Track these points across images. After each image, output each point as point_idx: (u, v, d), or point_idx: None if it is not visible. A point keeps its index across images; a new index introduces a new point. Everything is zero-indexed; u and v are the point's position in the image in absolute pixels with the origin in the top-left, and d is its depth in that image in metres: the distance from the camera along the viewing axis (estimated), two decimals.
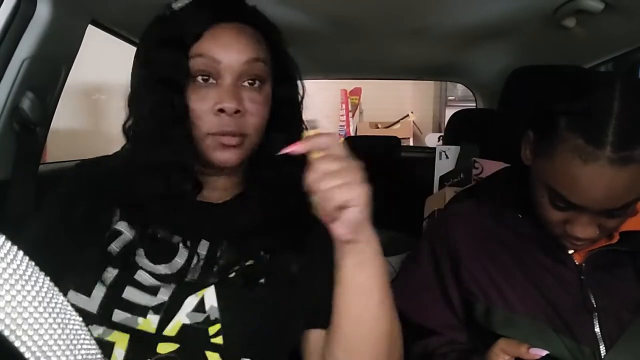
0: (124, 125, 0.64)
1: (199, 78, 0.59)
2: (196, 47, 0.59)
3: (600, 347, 0.66)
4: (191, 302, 0.56)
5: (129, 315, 0.54)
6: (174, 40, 0.58)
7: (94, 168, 0.68)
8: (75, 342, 0.23)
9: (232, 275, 0.59)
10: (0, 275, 0.20)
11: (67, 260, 0.56)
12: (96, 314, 0.54)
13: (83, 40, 1.00)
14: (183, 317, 0.55)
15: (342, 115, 6.05)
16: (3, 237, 0.21)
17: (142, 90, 0.60)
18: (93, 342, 0.25)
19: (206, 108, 0.59)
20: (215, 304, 0.56)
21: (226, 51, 0.59)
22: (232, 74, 0.59)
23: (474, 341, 0.76)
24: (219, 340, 0.55)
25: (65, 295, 0.54)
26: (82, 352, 0.23)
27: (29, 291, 0.21)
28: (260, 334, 0.57)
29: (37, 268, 0.22)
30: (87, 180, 0.65)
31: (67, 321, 0.23)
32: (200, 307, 0.56)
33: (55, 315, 0.22)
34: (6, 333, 0.21)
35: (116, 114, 0.66)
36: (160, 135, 0.59)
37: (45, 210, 0.65)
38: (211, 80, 0.60)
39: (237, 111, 0.59)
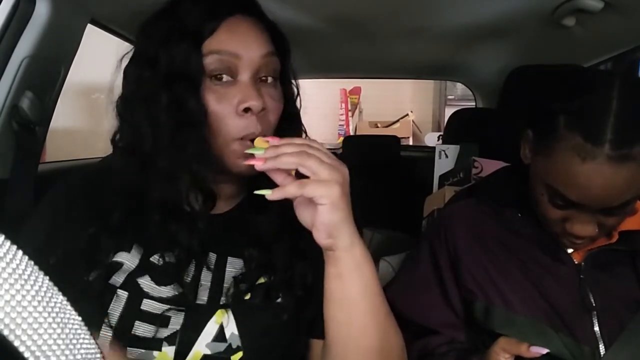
0: (114, 137, 0.58)
1: (218, 76, 0.54)
2: (210, 43, 0.53)
3: (600, 346, 0.66)
4: (210, 330, 0.53)
5: (142, 350, 0.52)
6: (186, 33, 0.53)
7: (87, 183, 0.60)
8: (74, 341, 0.23)
9: (248, 297, 0.56)
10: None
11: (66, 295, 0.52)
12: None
13: (82, 40, 0.99)
14: (202, 347, 0.53)
15: (341, 115, 6.05)
16: (2, 236, 0.21)
17: (148, 92, 0.54)
18: (92, 341, 0.25)
19: (229, 109, 0.53)
20: (236, 332, 0.53)
21: (245, 45, 0.54)
22: (252, 69, 0.55)
23: (474, 340, 0.76)
24: None
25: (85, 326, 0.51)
26: (82, 351, 0.23)
27: (28, 290, 0.21)
28: (277, 352, 0.56)
29: (36, 267, 0.22)
30: (81, 200, 0.57)
31: (66, 320, 0.23)
32: (220, 335, 0.53)
33: (54, 314, 0.22)
34: (5, 332, 0.21)
35: (114, 114, 0.64)
36: (174, 143, 0.52)
37: (37, 230, 0.57)
38: (227, 78, 0.54)
39: (262, 109, 0.54)
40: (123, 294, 0.53)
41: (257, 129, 0.54)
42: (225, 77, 0.54)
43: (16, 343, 0.21)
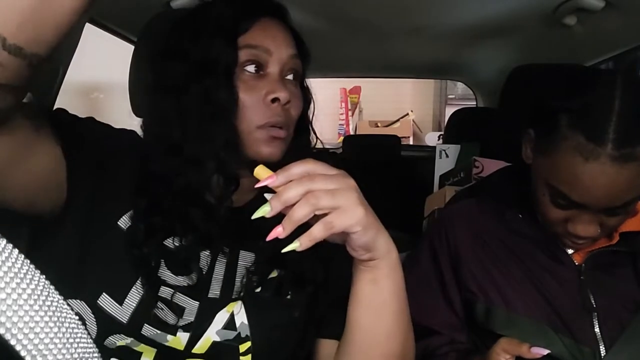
0: (146, 126, 0.61)
1: (249, 68, 0.57)
2: (245, 38, 0.57)
3: (600, 347, 0.66)
4: (221, 318, 0.55)
5: (158, 331, 0.53)
6: (222, 29, 0.56)
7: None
8: (71, 340, 0.23)
9: (259, 290, 0.58)
10: None
11: (106, 251, 0.53)
12: (126, 324, 0.52)
13: (81, 39, 0.99)
14: (213, 334, 0.54)
15: (341, 114, 6.06)
16: None
17: (179, 83, 0.56)
18: (90, 340, 0.25)
19: (256, 99, 0.56)
20: (246, 321, 0.55)
21: (276, 43, 0.58)
22: (280, 65, 0.58)
23: (475, 341, 0.76)
24: (248, 358, 0.55)
25: (96, 297, 0.51)
26: (79, 350, 0.23)
27: (24, 289, 0.21)
28: (286, 347, 0.57)
29: (32, 266, 0.22)
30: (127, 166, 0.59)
31: (63, 319, 0.23)
32: (230, 324, 0.55)
33: (51, 313, 0.22)
34: (1, 331, 0.21)
35: (115, 112, 0.64)
36: (203, 131, 0.55)
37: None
38: (259, 71, 0.58)
39: (288, 101, 0.57)
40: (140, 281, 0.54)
41: (281, 116, 0.57)
42: (255, 70, 0.58)
43: (12, 342, 0.21)
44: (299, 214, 0.41)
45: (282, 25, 0.61)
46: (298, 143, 0.63)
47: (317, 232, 0.41)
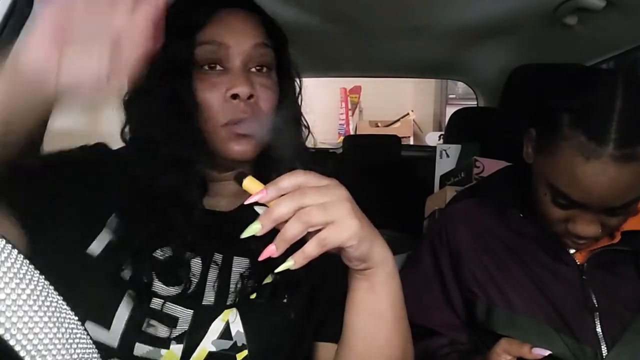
0: (122, 131, 0.59)
1: (206, 66, 0.56)
2: (203, 34, 0.55)
3: (602, 346, 0.66)
4: (216, 328, 0.54)
5: (150, 348, 0.51)
6: (177, 28, 0.54)
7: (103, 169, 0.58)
8: (70, 340, 0.23)
9: (254, 296, 0.56)
10: None
11: (81, 282, 0.50)
12: (117, 348, 0.50)
13: None
14: (208, 344, 0.53)
15: (341, 114, 6.05)
16: None
17: (145, 85, 0.55)
18: (89, 340, 0.25)
19: (217, 96, 0.55)
20: (242, 330, 0.54)
21: (235, 35, 0.56)
22: (241, 58, 0.56)
23: (475, 341, 0.76)
24: None
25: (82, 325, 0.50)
26: (78, 350, 0.23)
27: (23, 289, 0.21)
28: (282, 351, 0.56)
29: (31, 266, 0.22)
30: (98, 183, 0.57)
31: (62, 320, 0.23)
32: (226, 333, 0.53)
33: (50, 313, 0.22)
34: (1, 332, 0.20)
35: (114, 113, 0.64)
36: (170, 133, 0.54)
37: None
38: (218, 68, 0.56)
39: (250, 96, 0.55)
40: (133, 291, 0.53)
41: (246, 112, 0.55)
42: (215, 67, 0.56)
43: (12, 342, 0.21)
44: (292, 233, 0.40)
45: (243, 15, 0.58)
46: (287, 139, 0.60)
47: (311, 250, 0.41)
